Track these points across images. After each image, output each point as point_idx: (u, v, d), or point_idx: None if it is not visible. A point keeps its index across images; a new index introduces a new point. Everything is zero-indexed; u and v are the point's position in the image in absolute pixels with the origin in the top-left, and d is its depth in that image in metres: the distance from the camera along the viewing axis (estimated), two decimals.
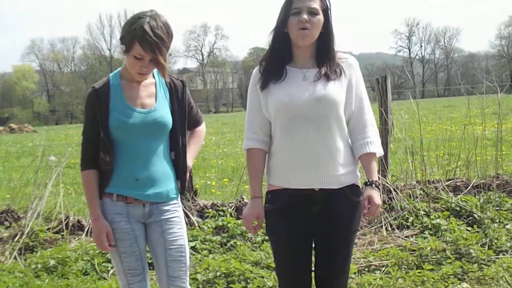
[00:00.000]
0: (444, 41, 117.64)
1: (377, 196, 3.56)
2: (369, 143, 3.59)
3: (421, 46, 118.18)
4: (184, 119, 3.87)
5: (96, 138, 3.67)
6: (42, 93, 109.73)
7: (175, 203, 3.89)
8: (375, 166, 3.64)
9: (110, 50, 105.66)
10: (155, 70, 3.79)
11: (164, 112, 3.75)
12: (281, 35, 3.57)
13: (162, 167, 3.76)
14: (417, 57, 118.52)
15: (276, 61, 3.60)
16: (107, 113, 3.64)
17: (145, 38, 3.47)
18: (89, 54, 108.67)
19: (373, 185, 3.57)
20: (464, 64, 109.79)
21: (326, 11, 3.55)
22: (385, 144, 8.20)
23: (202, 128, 4.16)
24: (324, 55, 3.57)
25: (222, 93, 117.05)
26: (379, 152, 3.65)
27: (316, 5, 3.49)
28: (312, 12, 3.47)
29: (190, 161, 3.96)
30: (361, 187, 3.68)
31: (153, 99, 3.77)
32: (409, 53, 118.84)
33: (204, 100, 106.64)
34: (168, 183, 3.80)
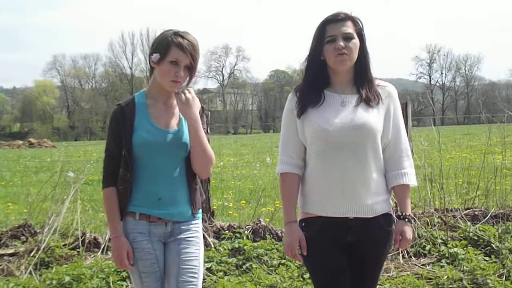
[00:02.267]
0: (465, 68, 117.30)
1: (409, 231, 3.57)
2: (404, 174, 3.58)
3: (441, 73, 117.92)
4: None
5: (119, 155, 3.69)
6: (62, 109, 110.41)
7: (196, 223, 3.89)
8: (408, 198, 3.63)
9: (131, 68, 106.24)
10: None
11: (187, 134, 3.77)
12: (316, 62, 3.56)
13: (183, 188, 3.77)
14: (437, 84, 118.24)
15: (314, 86, 3.58)
16: (132, 130, 3.66)
17: (181, 42, 3.61)
18: (110, 72, 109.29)
19: (406, 219, 3.58)
20: (484, 92, 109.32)
21: (360, 33, 3.55)
22: None
23: None
24: (362, 79, 3.57)
25: (241, 115, 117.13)
26: (414, 184, 3.64)
27: (351, 29, 3.50)
28: (348, 37, 3.48)
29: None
30: (393, 215, 3.66)
31: (178, 121, 3.80)
32: (430, 80, 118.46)
33: (223, 121, 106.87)
34: (189, 203, 3.80)
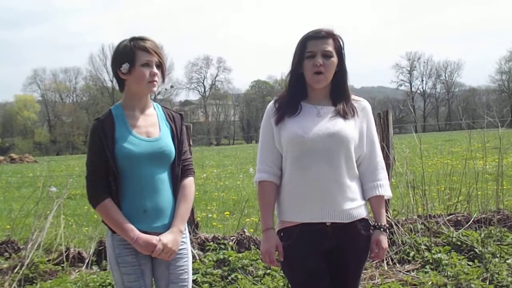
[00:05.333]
0: (445, 75, 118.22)
1: (385, 240, 3.66)
2: (379, 186, 3.67)
3: (422, 80, 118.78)
4: (181, 151, 3.88)
5: (104, 168, 3.66)
6: (43, 123, 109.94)
7: (183, 235, 3.87)
8: (383, 209, 3.73)
9: (112, 82, 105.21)
10: (154, 103, 3.94)
11: (168, 141, 3.80)
12: (296, 75, 3.66)
13: (167, 196, 3.78)
14: (418, 91, 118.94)
15: (291, 98, 3.68)
16: (114, 143, 3.66)
17: (144, 44, 3.71)
18: (91, 85, 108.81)
19: (382, 229, 3.66)
20: (465, 98, 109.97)
21: (340, 51, 3.64)
22: None
23: (190, 182, 3.95)
24: (339, 94, 3.67)
25: (223, 126, 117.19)
26: (388, 195, 3.73)
27: (330, 47, 3.59)
28: (326, 55, 3.57)
29: (181, 226, 3.80)
30: (370, 220, 3.72)
31: (157, 129, 3.82)
32: (411, 87, 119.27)
33: (205, 132, 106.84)
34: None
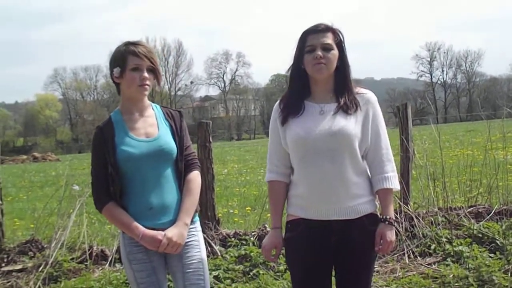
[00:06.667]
0: (465, 65, 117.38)
1: (389, 233, 3.62)
2: (385, 178, 3.65)
3: (442, 70, 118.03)
4: (182, 147, 3.94)
5: (106, 174, 3.74)
6: (65, 122, 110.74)
7: (193, 227, 3.94)
8: (390, 202, 3.71)
9: None
10: (153, 104, 4.00)
11: (168, 139, 3.86)
12: (298, 71, 3.68)
13: (172, 194, 3.83)
14: (438, 82, 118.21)
15: (295, 96, 3.71)
16: (114, 148, 3.74)
17: (134, 49, 3.77)
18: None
19: (387, 222, 3.64)
20: (486, 88, 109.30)
21: (340, 44, 3.66)
22: (406, 172, 8.22)
23: (195, 176, 3.98)
24: (342, 88, 3.66)
25: (244, 120, 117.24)
26: (395, 187, 3.71)
27: (330, 40, 3.61)
28: (326, 48, 3.59)
29: (187, 219, 3.84)
30: (379, 215, 3.72)
31: (156, 129, 3.89)
32: (431, 78, 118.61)
33: (226, 127, 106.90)
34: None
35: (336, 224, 3.58)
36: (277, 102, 3.82)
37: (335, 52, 3.61)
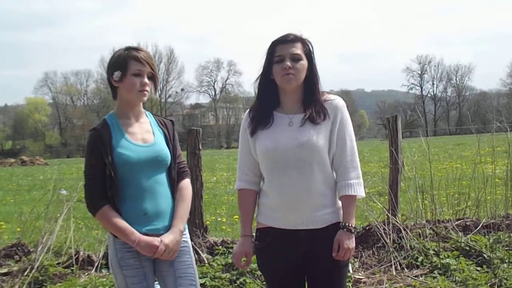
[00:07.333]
0: (456, 79, 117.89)
1: (348, 241, 3.60)
2: (348, 185, 3.63)
3: (433, 84, 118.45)
4: (175, 155, 3.97)
5: (102, 176, 3.72)
6: (54, 126, 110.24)
7: (184, 234, 3.94)
8: (352, 208, 3.69)
9: None
10: (146, 111, 4.03)
11: (163, 146, 3.90)
12: (267, 81, 3.68)
13: (166, 199, 3.86)
14: (429, 95, 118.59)
15: (263, 107, 3.72)
16: (111, 150, 3.73)
17: (137, 54, 3.79)
18: (102, 88, 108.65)
19: (345, 229, 3.62)
20: (476, 102, 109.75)
21: (309, 54, 3.66)
22: (395, 183, 8.24)
23: (187, 184, 4.06)
24: (309, 98, 3.66)
25: (234, 129, 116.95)
26: (360, 194, 3.69)
27: (299, 50, 3.61)
28: (295, 58, 3.59)
29: (181, 226, 3.89)
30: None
31: (151, 135, 3.92)
32: (421, 91, 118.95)
33: (216, 135, 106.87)
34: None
35: (304, 233, 3.60)
36: (247, 112, 3.83)
37: (304, 62, 3.62)
